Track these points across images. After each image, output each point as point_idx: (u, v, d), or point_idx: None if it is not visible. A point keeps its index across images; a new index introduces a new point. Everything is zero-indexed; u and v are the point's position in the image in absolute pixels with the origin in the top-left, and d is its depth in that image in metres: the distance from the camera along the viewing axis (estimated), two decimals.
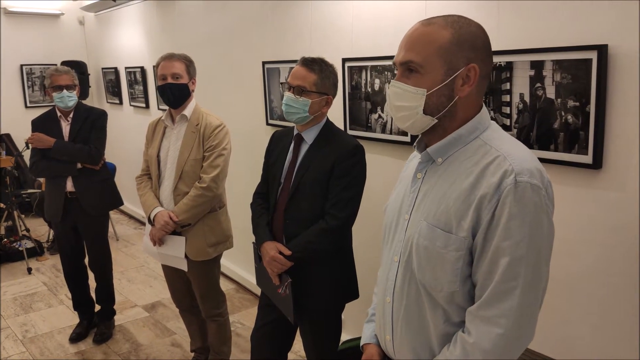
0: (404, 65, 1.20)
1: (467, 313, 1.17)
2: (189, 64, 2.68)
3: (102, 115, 3.41)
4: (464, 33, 1.17)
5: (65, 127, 3.34)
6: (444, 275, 1.18)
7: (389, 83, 2.61)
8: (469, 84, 1.18)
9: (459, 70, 1.17)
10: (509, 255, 1.09)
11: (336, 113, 2.89)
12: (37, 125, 3.35)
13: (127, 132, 6.03)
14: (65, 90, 3.25)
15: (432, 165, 1.27)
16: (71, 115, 3.35)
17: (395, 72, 1.25)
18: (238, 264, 4.33)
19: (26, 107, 6.61)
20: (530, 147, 2.03)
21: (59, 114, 3.35)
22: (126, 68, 5.84)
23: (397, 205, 1.36)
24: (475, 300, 1.16)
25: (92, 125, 3.35)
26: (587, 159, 1.90)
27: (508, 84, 2.11)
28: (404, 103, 1.21)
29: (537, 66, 2.00)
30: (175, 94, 2.62)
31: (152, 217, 2.66)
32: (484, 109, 1.25)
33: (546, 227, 1.13)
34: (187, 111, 2.69)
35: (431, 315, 1.23)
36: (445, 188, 1.20)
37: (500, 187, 1.10)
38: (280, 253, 2.09)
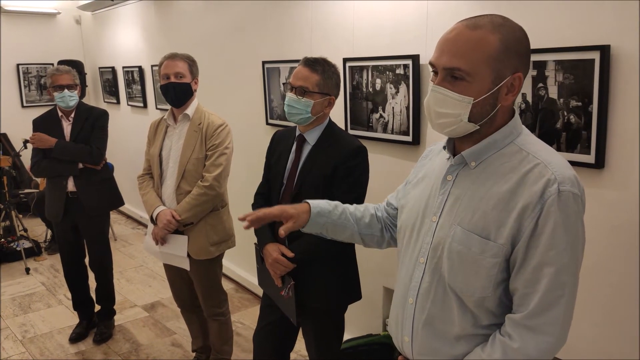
0: (448, 71, 1.16)
1: (509, 319, 1.17)
2: (191, 63, 2.68)
3: (103, 115, 3.41)
4: (511, 39, 1.15)
5: (67, 127, 3.34)
6: (477, 280, 1.18)
7: (388, 85, 2.63)
8: (513, 92, 1.17)
9: (505, 79, 1.15)
10: (554, 264, 1.11)
11: (337, 113, 2.89)
12: (38, 125, 3.35)
13: (125, 132, 6.02)
14: (66, 90, 3.25)
15: (465, 168, 1.25)
16: (72, 115, 3.34)
17: (433, 72, 1.22)
18: (237, 264, 4.33)
19: (23, 106, 6.59)
20: None
21: (60, 113, 3.35)
22: (124, 67, 5.83)
23: (420, 206, 1.34)
24: (515, 308, 1.17)
25: (93, 125, 3.34)
26: (590, 158, 1.91)
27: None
28: (447, 110, 1.18)
29: (540, 66, 2.01)
30: (178, 93, 2.63)
31: (154, 216, 2.67)
32: (517, 114, 1.25)
33: (582, 233, 1.16)
34: (190, 110, 2.69)
35: (459, 319, 1.23)
36: (481, 193, 1.19)
37: (544, 195, 1.11)
38: (283, 255, 2.09)
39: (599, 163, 1.90)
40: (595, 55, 1.84)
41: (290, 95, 2.09)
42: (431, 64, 1.22)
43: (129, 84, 5.82)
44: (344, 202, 2.05)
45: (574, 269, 1.13)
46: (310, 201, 1.54)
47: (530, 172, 1.14)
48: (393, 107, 2.68)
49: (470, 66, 1.14)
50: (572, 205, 1.11)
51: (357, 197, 2.10)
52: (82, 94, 5.91)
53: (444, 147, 1.34)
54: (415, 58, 2.52)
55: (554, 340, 1.13)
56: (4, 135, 6.33)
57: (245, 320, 3.76)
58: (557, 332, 1.13)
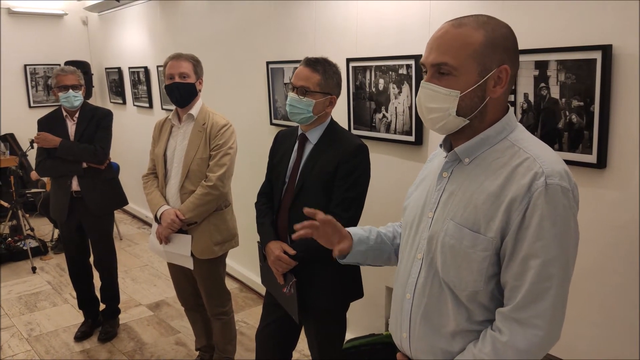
0: (436, 67, 1.20)
1: (498, 313, 1.18)
2: (196, 63, 2.70)
3: (107, 115, 3.43)
4: (496, 35, 1.18)
5: (71, 127, 3.36)
6: (469, 274, 1.20)
7: (385, 83, 2.63)
8: (500, 85, 1.20)
9: (491, 71, 1.18)
10: (541, 256, 1.11)
11: (340, 113, 2.90)
12: (43, 124, 3.37)
13: (130, 132, 6.06)
14: (71, 90, 3.27)
15: (459, 164, 1.28)
16: (77, 115, 3.37)
17: (424, 73, 1.25)
18: (241, 263, 4.34)
19: (30, 107, 6.63)
20: None
21: (64, 113, 3.37)
22: (130, 68, 5.86)
23: (419, 203, 1.37)
24: (505, 301, 1.18)
25: (98, 125, 3.37)
26: (592, 158, 1.91)
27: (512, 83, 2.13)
28: (436, 105, 1.21)
29: (542, 66, 2.01)
30: (183, 93, 2.65)
31: (158, 216, 2.68)
32: (511, 110, 1.26)
33: (573, 228, 1.16)
34: (194, 110, 2.71)
35: (454, 314, 1.24)
36: (473, 188, 1.21)
37: (531, 188, 1.12)
38: (285, 253, 2.10)
39: (601, 163, 1.89)
40: (597, 55, 1.84)
41: (291, 95, 2.11)
42: (422, 64, 1.26)
43: (134, 84, 5.85)
44: (344, 201, 2.08)
45: (564, 263, 1.13)
46: (349, 229, 1.54)
47: (520, 166, 1.16)
48: (396, 107, 2.68)
49: (456, 60, 1.17)
50: (560, 199, 1.11)
51: (358, 195, 2.11)
52: (88, 95, 5.98)
53: (440, 145, 1.36)
54: (418, 58, 2.52)
55: (543, 334, 1.13)
56: (11, 135, 6.38)
57: (248, 319, 3.77)
58: (546, 325, 1.13)
